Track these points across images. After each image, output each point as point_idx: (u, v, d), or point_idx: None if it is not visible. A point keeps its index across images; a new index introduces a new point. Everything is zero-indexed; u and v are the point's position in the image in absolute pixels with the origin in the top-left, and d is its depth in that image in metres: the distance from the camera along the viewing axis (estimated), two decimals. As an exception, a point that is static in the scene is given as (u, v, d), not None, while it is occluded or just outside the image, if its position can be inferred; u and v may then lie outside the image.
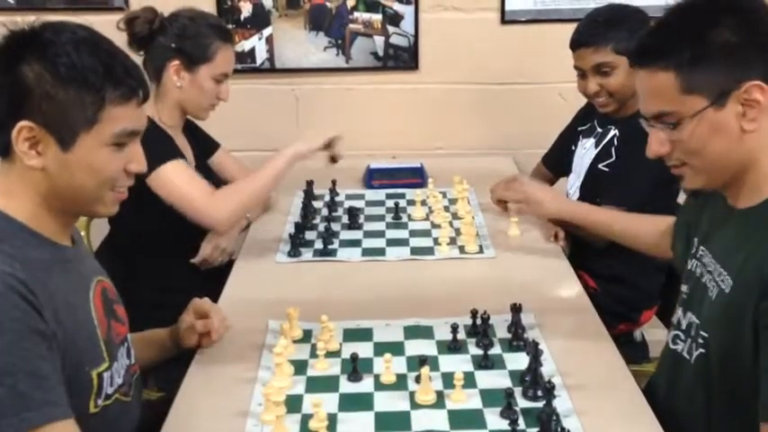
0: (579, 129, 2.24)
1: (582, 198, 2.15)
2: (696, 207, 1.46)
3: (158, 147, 1.92)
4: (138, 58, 2.00)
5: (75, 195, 1.17)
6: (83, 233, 1.88)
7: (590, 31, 2.00)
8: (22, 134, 1.10)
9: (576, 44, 2.02)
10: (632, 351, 2.05)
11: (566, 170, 2.29)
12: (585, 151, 2.17)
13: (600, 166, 2.10)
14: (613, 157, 2.06)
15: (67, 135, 1.12)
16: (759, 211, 1.23)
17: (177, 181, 1.89)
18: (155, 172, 1.86)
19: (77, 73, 1.10)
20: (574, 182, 2.22)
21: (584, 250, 2.07)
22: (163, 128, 2.00)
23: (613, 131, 2.08)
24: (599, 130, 2.15)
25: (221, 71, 2.01)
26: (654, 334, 2.20)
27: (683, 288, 1.41)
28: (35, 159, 1.12)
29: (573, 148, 2.24)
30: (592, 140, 2.16)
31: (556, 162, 2.36)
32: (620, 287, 2.08)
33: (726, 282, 1.24)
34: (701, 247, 1.37)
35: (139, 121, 1.19)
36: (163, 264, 2.02)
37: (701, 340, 1.29)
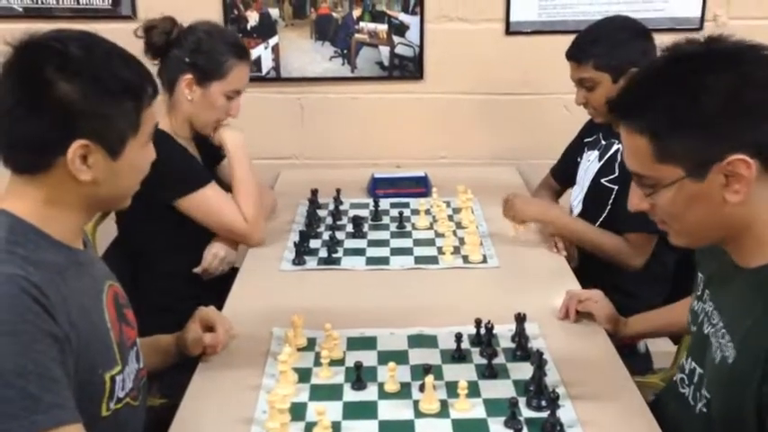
0: (585, 140, 2.25)
1: (585, 210, 2.16)
2: None
3: (189, 172, 1.98)
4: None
5: (116, 197, 1.23)
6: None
7: (576, 46, 2.05)
8: (76, 153, 1.11)
9: (566, 56, 2.07)
10: (636, 362, 2.05)
11: (572, 182, 2.30)
12: (589, 164, 2.18)
13: (603, 180, 2.10)
14: (616, 173, 2.07)
15: (117, 144, 1.15)
16: (761, 273, 1.15)
17: (216, 206, 1.98)
18: (188, 197, 1.93)
19: (118, 84, 1.14)
20: (577, 194, 2.22)
21: (588, 261, 2.07)
22: (182, 144, 2.02)
23: (617, 145, 2.08)
24: (603, 142, 2.15)
25: (233, 88, 2.01)
26: (658, 345, 2.20)
27: (692, 327, 1.36)
28: (86, 173, 1.13)
29: (578, 159, 2.25)
30: (596, 153, 2.17)
31: (563, 173, 2.36)
32: (625, 298, 2.07)
33: (729, 350, 1.17)
34: (706, 291, 1.31)
35: (157, 117, 1.26)
36: (167, 270, 2.03)
37: (704, 399, 1.26)
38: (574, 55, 2.05)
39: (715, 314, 1.26)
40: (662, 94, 1.11)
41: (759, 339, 1.11)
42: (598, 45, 2.00)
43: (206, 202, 1.96)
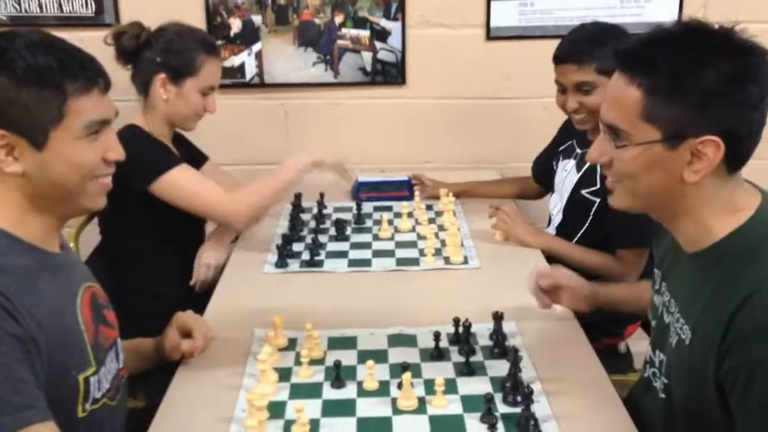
0: (560, 148, 2.25)
1: (564, 221, 2.17)
2: (657, 238, 1.44)
3: (158, 156, 1.99)
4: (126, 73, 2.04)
5: (59, 192, 1.19)
6: (71, 244, 1.90)
7: (575, 49, 1.98)
8: None
9: (560, 60, 2.00)
10: (617, 362, 2.07)
11: (548, 187, 2.32)
12: (567, 174, 2.17)
13: (584, 192, 2.09)
14: (598, 185, 2.05)
15: (39, 135, 1.14)
16: (706, 256, 1.19)
17: (191, 183, 1.96)
18: (161, 179, 1.92)
19: (34, 73, 1.12)
20: (556, 203, 2.23)
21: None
22: (155, 137, 2.03)
23: None
24: (578, 151, 2.15)
25: (207, 84, 2.04)
26: (639, 345, 2.23)
27: (653, 321, 1.40)
28: (14, 165, 1.14)
29: (554, 167, 2.26)
30: (572, 162, 2.16)
31: (541, 177, 2.38)
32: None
33: (685, 332, 1.21)
34: (663, 284, 1.35)
35: (107, 110, 1.22)
36: (151, 274, 2.04)
37: (662, 385, 1.29)
38: (574, 57, 1.97)
39: (672, 302, 1.29)
40: (672, 58, 1.13)
41: (710, 320, 1.15)
42: (602, 48, 1.89)
43: (180, 182, 1.95)
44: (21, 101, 1.12)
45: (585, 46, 1.98)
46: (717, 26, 1.17)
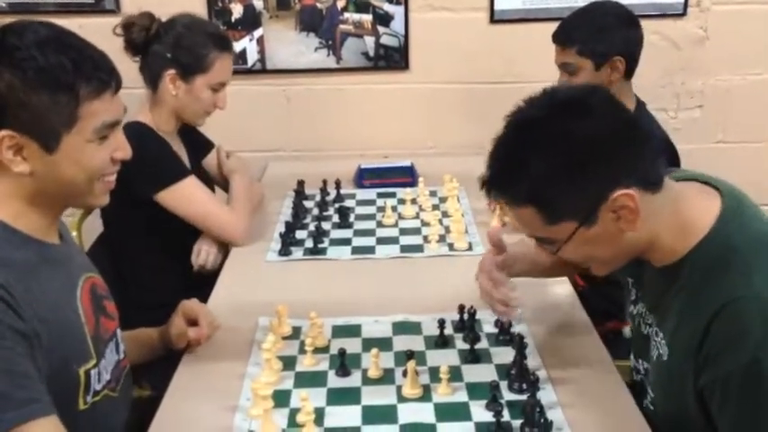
0: None
1: None
2: None
3: (169, 164, 1.98)
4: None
5: (66, 192, 1.17)
6: (74, 233, 1.90)
7: (562, 29, 2.05)
8: (4, 143, 1.10)
9: (552, 38, 2.06)
10: (621, 347, 2.06)
11: None
12: None
13: None
14: None
15: (50, 138, 1.12)
16: (673, 271, 1.19)
17: (198, 198, 1.97)
18: (168, 189, 1.92)
19: (47, 75, 1.09)
20: None
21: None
22: (164, 138, 2.01)
23: None
24: None
25: (218, 80, 2.00)
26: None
27: (633, 332, 1.39)
28: (22, 165, 1.12)
29: None
30: None
31: None
32: (610, 285, 2.08)
33: (662, 347, 1.22)
34: (638, 293, 1.34)
35: (118, 112, 1.19)
36: (154, 263, 2.04)
37: (649, 396, 1.29)
38: (559, 38, 2.05)
39: (648, 314, 1.29)
40: (529, 162, 1.11)
41: (685, 335, 1.15)
42: (584, 30, 2.00)
43: (187, 194, 1.95)
44: (32, 104, 1.09)
45: (571, 27, 2.04)
46: (539, 102, 1.15)
